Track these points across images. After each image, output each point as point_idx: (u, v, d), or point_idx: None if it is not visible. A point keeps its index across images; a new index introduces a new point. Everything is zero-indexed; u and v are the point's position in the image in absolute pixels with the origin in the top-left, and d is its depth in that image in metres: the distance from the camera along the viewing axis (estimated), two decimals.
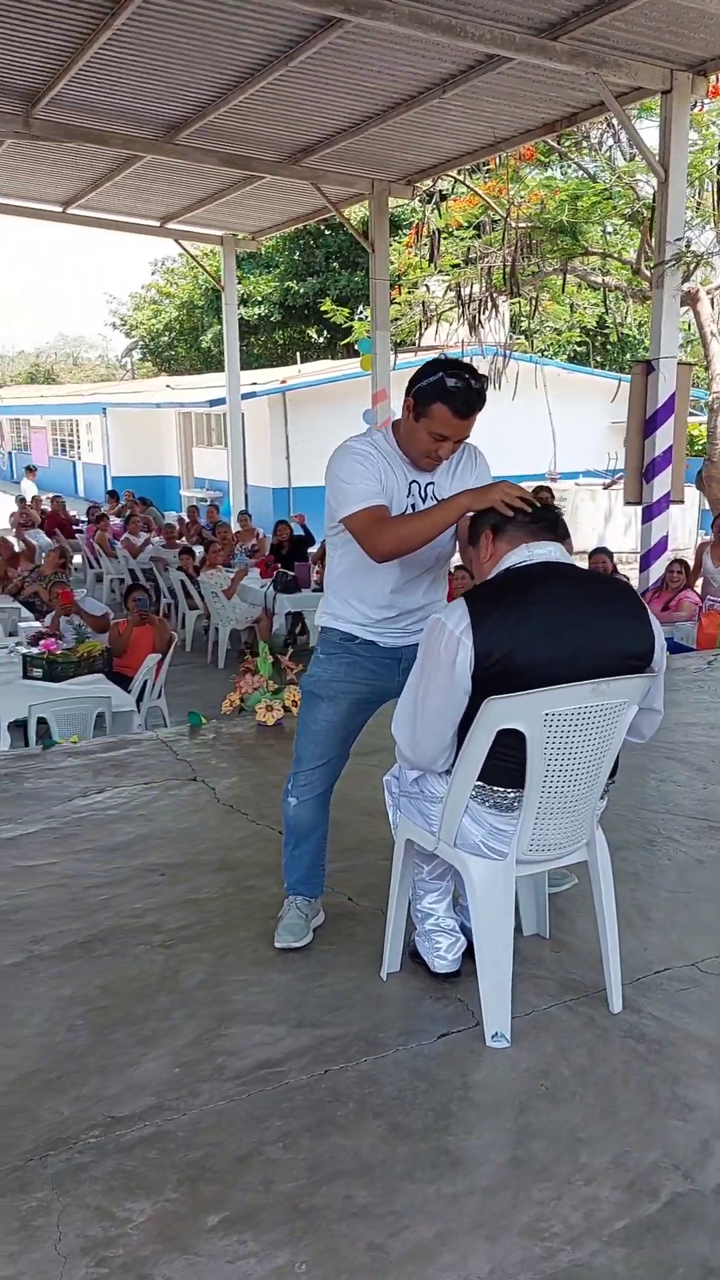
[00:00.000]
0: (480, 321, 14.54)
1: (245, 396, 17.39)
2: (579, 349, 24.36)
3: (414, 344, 17.76)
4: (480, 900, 2.68)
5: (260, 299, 29.46)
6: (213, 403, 18.26)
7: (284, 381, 18.58)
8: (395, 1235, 2.11)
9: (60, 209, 15.79)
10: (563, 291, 15.09)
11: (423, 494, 3.03)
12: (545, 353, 22.63)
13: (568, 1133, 2.39)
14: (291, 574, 10.56)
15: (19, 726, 6.52)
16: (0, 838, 4.07)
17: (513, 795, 2.61)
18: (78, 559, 15.60)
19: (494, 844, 2.67)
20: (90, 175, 13.98)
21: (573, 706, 2.51)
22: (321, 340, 31.51)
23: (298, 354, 24.45)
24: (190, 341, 34.58)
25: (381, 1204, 2.19)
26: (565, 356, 24.70)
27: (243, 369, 28.75)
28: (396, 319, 16.36)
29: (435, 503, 3.01)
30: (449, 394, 2.83)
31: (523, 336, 18.11)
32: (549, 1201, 2.19)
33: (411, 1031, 2.78)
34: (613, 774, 2.76)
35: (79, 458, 28.15)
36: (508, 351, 15.13)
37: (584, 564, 9.20)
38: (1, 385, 54.00)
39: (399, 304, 15.83)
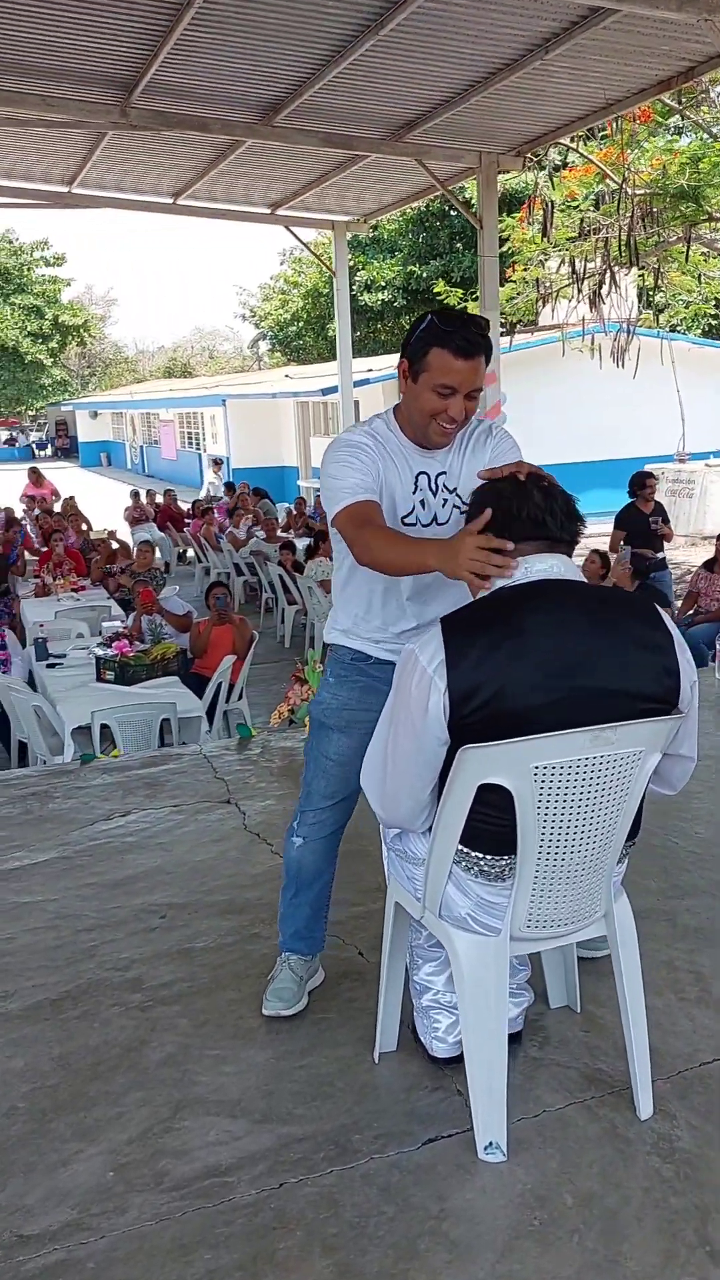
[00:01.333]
0: (601, 297, 13.80)
1: (358, 384, 16.98)
2: (714, 322, 23.13)
3: (532, 323, 17.08)
4: (468, 983, 2.22)
5: (384, 284, 29.04)
6: (325, 391, 17.93)
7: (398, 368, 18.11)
8: None
9: (171, 200, 15.65)
10: (687, 261, 14.15)
11: (432, 486, 2.57)
12: (678, 327, 21.54)
13: None
14: None
15: (84, 732, 6.30)
16: (7, 867, 3.78)
17: (503, 863, 2.14)
18: (191, 553, 15.56)
19: (483, 918, 2.20)
20: (197, 164, 13.77)
21: (569, 757, 2.02)
22: None
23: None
24: (317, 330, 34.40)
25: None
26: (699, 330, 23.47)
27: (368, 355, 28.49)
28: (512, 298, 15.73)
29: (445, 499, 2.57)
30: (444, 335, 2.37)
31: (649, 311, 17.20)
32: None
33: (392, 1134, 2.33)
34: (634, 833, 2.25)
35: (204, 450, 28.30)
36: (631, 327, 14.30)
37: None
38: (140, 380, 55.06)
39: (514, 283, 15.19)
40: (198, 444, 29.07)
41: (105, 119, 11.38)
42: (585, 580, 2.17)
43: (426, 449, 2.55)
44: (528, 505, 2.11)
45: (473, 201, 13.73)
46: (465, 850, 2.14)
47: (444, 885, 2.21)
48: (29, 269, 43.13)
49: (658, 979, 2.89)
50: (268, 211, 16.25)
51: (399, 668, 2.16)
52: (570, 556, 2.17)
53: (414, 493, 2.56)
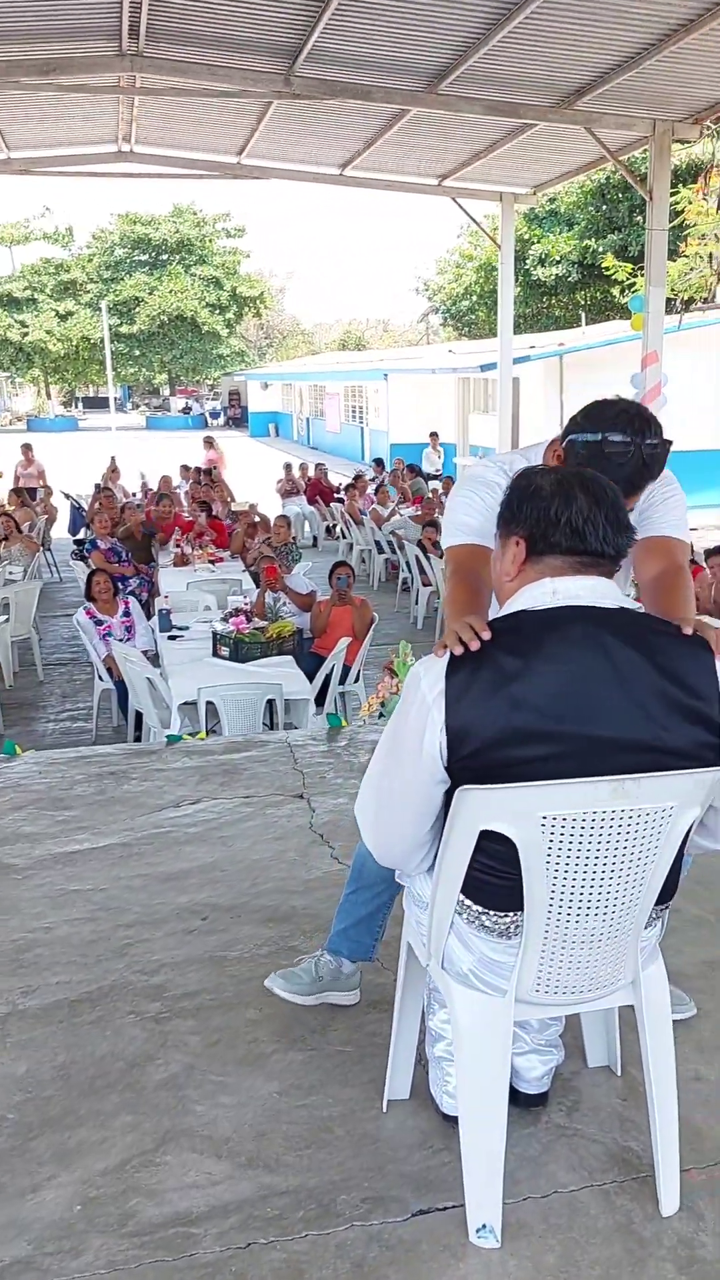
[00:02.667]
0: None
1: (519, 361, 16.51)
2: None
3: (708, 300, 16.23)
4: (466, 1045, 1.97)
5: (559, 258, 28.24)
6: (484, 367, 17.51)
7: (561, 345, 17.52)
8: None
9: (338, 171, 15.49)
10: None
11: None
12: None
13: None
14: None
15: (191, 707, 6.24)
16: (67, 850, 3.71)
17: (508, 920, 1.87)
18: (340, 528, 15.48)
19: (488, 976, 1.94)
20: (363, 135, 13.56)
21: (584, 809, 1.74)
22: (625, 300, 29.88)
23: (582, 315, 23.14)
24: (490, 305, 33.77)
25: None
26: None
27: (540, 331, 27.77)
28: (685, 274, 14.96)
29: None
30: (607, 462, 2.10)
31: None
32: None
33: (382, 1199, 2.11)
34: (669, 895, 1.95)
35: (366, 424, 28.21)
36: None
37: None
38: (315, 353, 55.45)
39: (687, 258, 14.42)
40: (361, 418, 29.00)
41: (269, 88, 11.31)
42: (627, 607, 1.86)
43: None
44: (569, 511, 1.81)
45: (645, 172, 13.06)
46: (467, 902, 1.89)
47: (445, 936, 1.96)
48: (210, 240, 43.92)
49: (716, 1043, 2.56)
50: (435, 183, 15.92)
51: (405, 684, 1.91)
52: (612, 576, 1.87)
53: None
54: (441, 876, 1.89)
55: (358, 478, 16.21)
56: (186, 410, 50.31)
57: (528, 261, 28.85)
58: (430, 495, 14.61)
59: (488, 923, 1.88)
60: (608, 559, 1.85)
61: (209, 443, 18.97)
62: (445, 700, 1.75)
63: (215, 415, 50.03)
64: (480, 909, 1.87)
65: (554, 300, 30.35)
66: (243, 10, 9.64)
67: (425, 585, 10.59)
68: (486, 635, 1.78)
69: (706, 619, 2.21)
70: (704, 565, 7.86)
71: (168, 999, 2.81)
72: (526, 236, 28.73)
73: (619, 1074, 2.45)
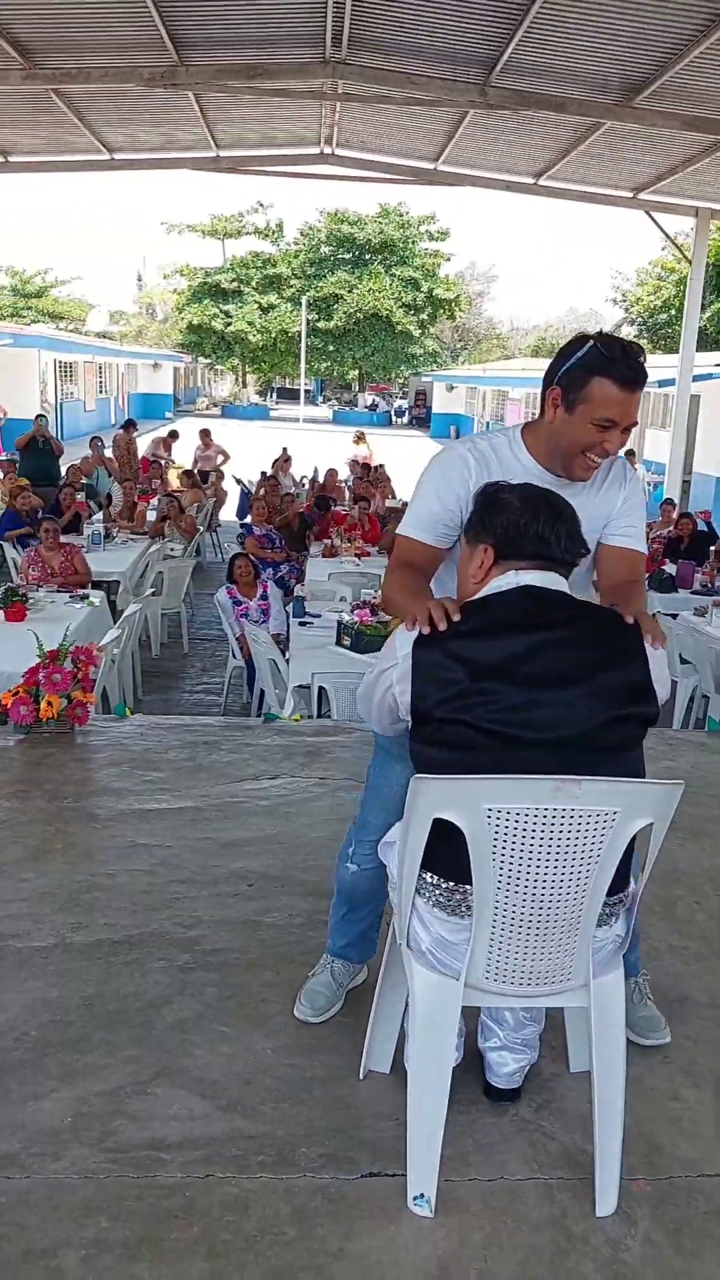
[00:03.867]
0: None
1: (700, 378, 16.14)
2: None
3: None
4: (419, 1021, 2.09)
5: None
6: (662, 383, 17.17)
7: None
8: None
9: (533, 180, 15.49)
10: None
11: None
12: None
13: None
14: (670, 572, 9.59)
15: (306, 690, 6.48)
16: (146, 808, 3.98)
17: (460, 895, 1.99)
18: None
19: (444, 956, 2.06)
20: (558, 145, 13.52)
21: (528, 805, 1.84)
22: None
23: None
24: None
25: None
26: None
27: None
28: None
29: None
30: (608, 363, 2.19)
31: None
32: None
33: (337, 1157, 2.25)
34: (621, 885, 2.03)
35: None
36: None
37: None
38: (508, 357, 55.30)
39: None
40: None
41: (464, 97, 11.46)
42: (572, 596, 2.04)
43: (559, 478, 2.36)
44: (537, 523, 2.01)
45: None
46: (426, 876, 2.02)
47: (409, 914, 2.09)
48: (413, 242, 44.36)
49: (709, 1070, 2.60)
50: (629, 195, 15.73)
51: (386, 645, 2.16)
52: (567, 578, 2.06)
53: None
54: (406, 857, 2.03)
55: None
56: (373, 407, 51.02)
57: None
58: None
59: (441, 897, 2.00)
60: (565, 565, 2.04)
61: (360, 437, 19.20)
62: (411, 669, 1.95)
63: (400, 414, 50.54)
64: (435, 879, 2.00)
65: None
66: (441, 21, 9.82)
67: None
68: (456, 618, 1.97)
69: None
70: None
71: (197, 952, 3.02)
72: None
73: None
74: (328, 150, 15.10)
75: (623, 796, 1.87)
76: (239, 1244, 2.02)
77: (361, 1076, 2.49)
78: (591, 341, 2.25)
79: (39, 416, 14.71)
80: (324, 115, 13.56)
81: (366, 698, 2.22)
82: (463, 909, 2.00)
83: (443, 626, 1.96)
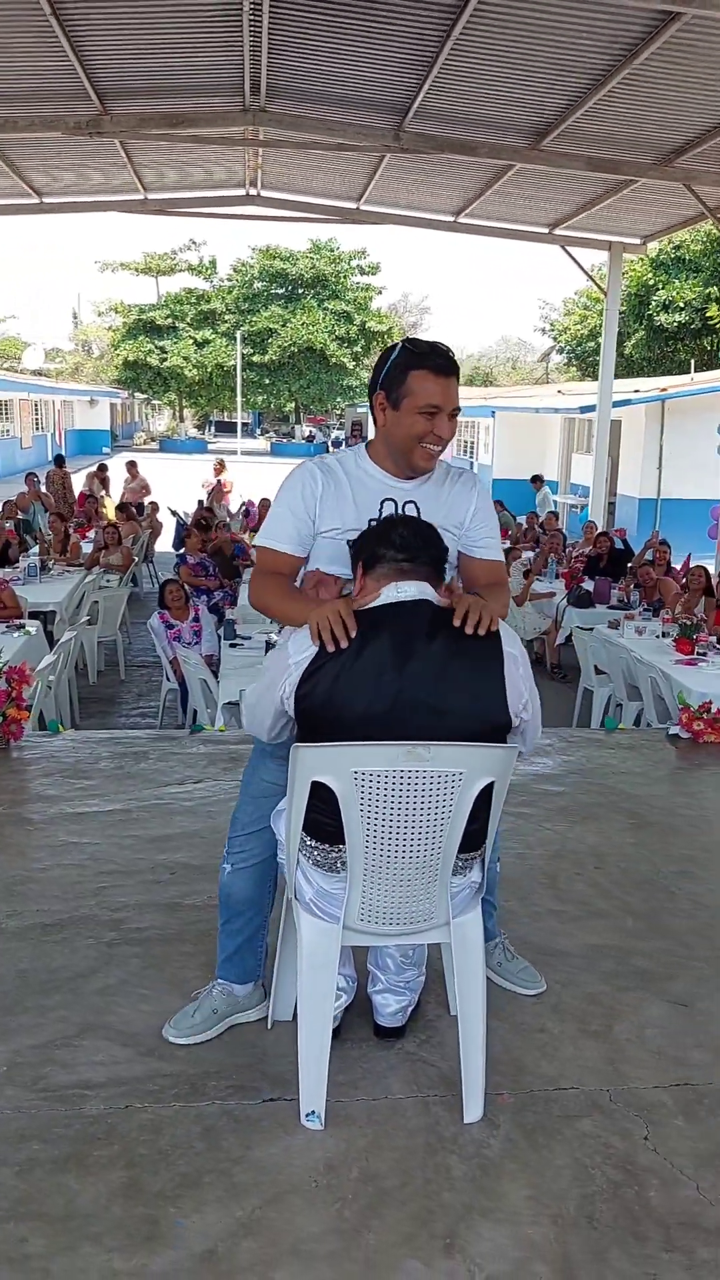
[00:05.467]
0: None
1: (619, 404, 16.78)
2: None
3: None
4: (305, 963, 2.42)
5: (682, 304, 28.32)
6: (584, 409, 17.83)
7: (664, 390, 17.72)
8: None
9: (452, 218, 16.09)
10: None
11: (399, 510, 2.63)
12: None
13: (287, 1244, 2.10)
14: (587, 588, 10.07)
15: (234, 707, 6.79)
16: (77, 810, 4.28)
17: (335, 855, 2.34)
18: None
19: (324, 905, 2.40)
20: (474, 185, 14.10)
21: (386, 767, 2.20)
22: None
23: (692, 362, 23.23)
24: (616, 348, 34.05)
25: (43, 1259, 2.05)
26: None
27: (664, 375, 27.82)
28: None
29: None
30: (420, 357, 2.47)
31: None
32: None
33: (242, 1087, 2.57)
34: (476, 845, 2.39)
35: (475, 459, 28.69)
36: None
37: None
38: None
39: None
40: (472, 452, 29.51)
41: (379, 142, 11.96)
42: (436, 601, 2.34)
43: (402, 477, 2.63)
44: (390, 548, 2.33)
45: None
46: (307, 840, 2.36)
47: (295, 870, 2.43)
48: (345, 276, 45.10)
49: (572, 1006, 2.96)
50: (545, 231, 16.37)
51: (279, 643, 2.46)
52: (430, 580, 2.35)
53: (378, 514, 2.62)
54: (290, 819, 2.37)
55: None
56: (310, 438, 51.58)
57: (651, 306, 29.02)
58: (514, 528, 15.03)
59: (319, 857, 2.35)
60: (427, 567, 2.34)
61: (220, 466, 18.62)
62: (301, 673, 2.27)
63: (337, 444, 51.14)
64: (315, 843, 2.34)
65: (680, 345, 30.36)
66: (355, 70, 10.30)
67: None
68: (352, 633, 2.25)
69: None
70: None
71: (123, 930, 3.33)
72: (651, 282, 28.91)
73: None
74: (253, 191, 15.55)
75: (467, 758, 2.22)
76: (153, 1157, 2.34)
77: (269, 1026, 2.81)
78: (400, 344, 2.55)
79: None
80: (247, 159, 14.01)
81: (253, 708, 2.51)
82: (338, 865, 2.34)
83: (345, 644, 2.23)
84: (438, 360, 2.48)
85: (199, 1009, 2.81)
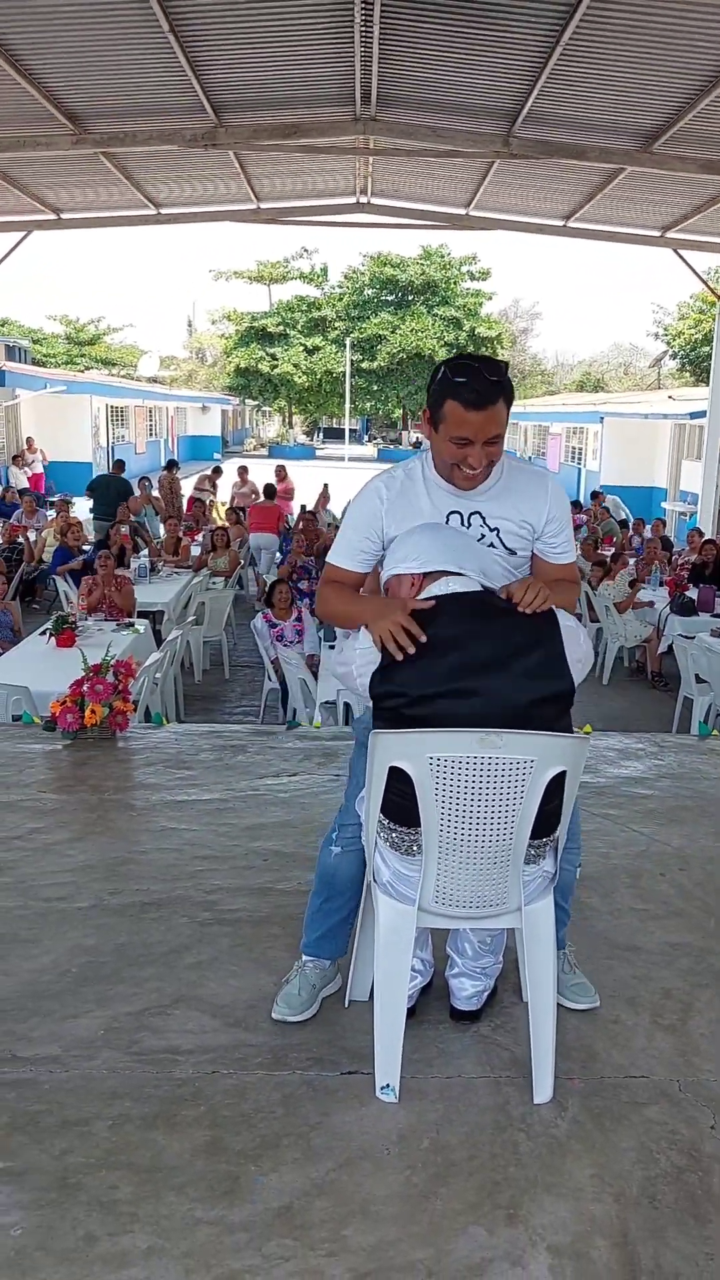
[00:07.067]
0: None
1: None
2: None
3: None
4: (382, 943, 2.54)
5: None
6: (694, 415, 17.55)
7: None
8: (114, 1235, 2.13)
9: (562, 223, 16.04)
10: None
11: (465, 522, 2.68)
12: None
13: (357, 1205, 2.22)
14: (691, 596, 9.96)
15: (333, 706, 6.95)
16: (177, 799, 4.47)
17: (411, 838, 2.44)
18: None
19: (400, 887, 2.51)
20: (584, 189, 14.06)
21: (460, 753, 2.30)
22: None
23: None
24: None
25: (131, 1205, 2.21)
26: None
27: None
28: None
29: (482, 534, 2.67)
30: (455, 387, 2.46)
31: None
32: (263, 1268, 2.07)
33: (322, 1060, 2.70)
34: (550, 829, 2.46)
35: (583, 465, 28.47)
36: None
37: None
38: (554, 393, 55.76)
39: None
40: (580, 459, 29.27)
41: (489, 149, 12.03)
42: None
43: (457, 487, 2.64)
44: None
45: None
46: (385, 821, 2.48)
47: (374, 851, 2.54)
48: (455, 283, 45.14)
49: (647, 1000, 3.01)
50: (658, 234, 16.20)
51: (352, 641, 2.52)
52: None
53: (444, 525, 2.66)
54: (370, 803, 2.49)
55: None
56: (416, 444, 51.71)
57: None
58: (620, 535, 14.88)
59: (395, 839, 2.46)
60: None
61: (280, 472, 18.08)
62: (372, 674, 2.40)
63: None
64: (392, 824, 2.46)
65: None
66: (464, 77, 10.40)
67: (593, 620, 10.91)
68: (420, 639, 2.35)
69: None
70: None
71: (216, 911, 3.49)
72: None
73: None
74: (363, 199, 15.77)
75: (538, 747, 2.31)
76: (236, 1119, 2.47)
77: (346, 1004, 2.93)
78: (443, 367, 2.55)
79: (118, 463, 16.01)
80: (358, 167, 14.22)
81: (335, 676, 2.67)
82: (413, 849, 2.44)
83: (401, 645, 2.33)
84: (470, 394, 2.43)
85: (301, 987, 2.92)
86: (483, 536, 2.66)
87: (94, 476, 16.50)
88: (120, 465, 16.56)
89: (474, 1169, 2.32)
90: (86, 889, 3.64)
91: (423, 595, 2.43)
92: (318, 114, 11.67)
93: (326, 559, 2.79)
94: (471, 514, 2.67)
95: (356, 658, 2.46)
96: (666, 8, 8.00)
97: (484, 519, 2.67)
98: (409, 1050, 2.66)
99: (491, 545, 2.66)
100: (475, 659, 2.33)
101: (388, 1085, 2.54)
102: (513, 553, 2.65)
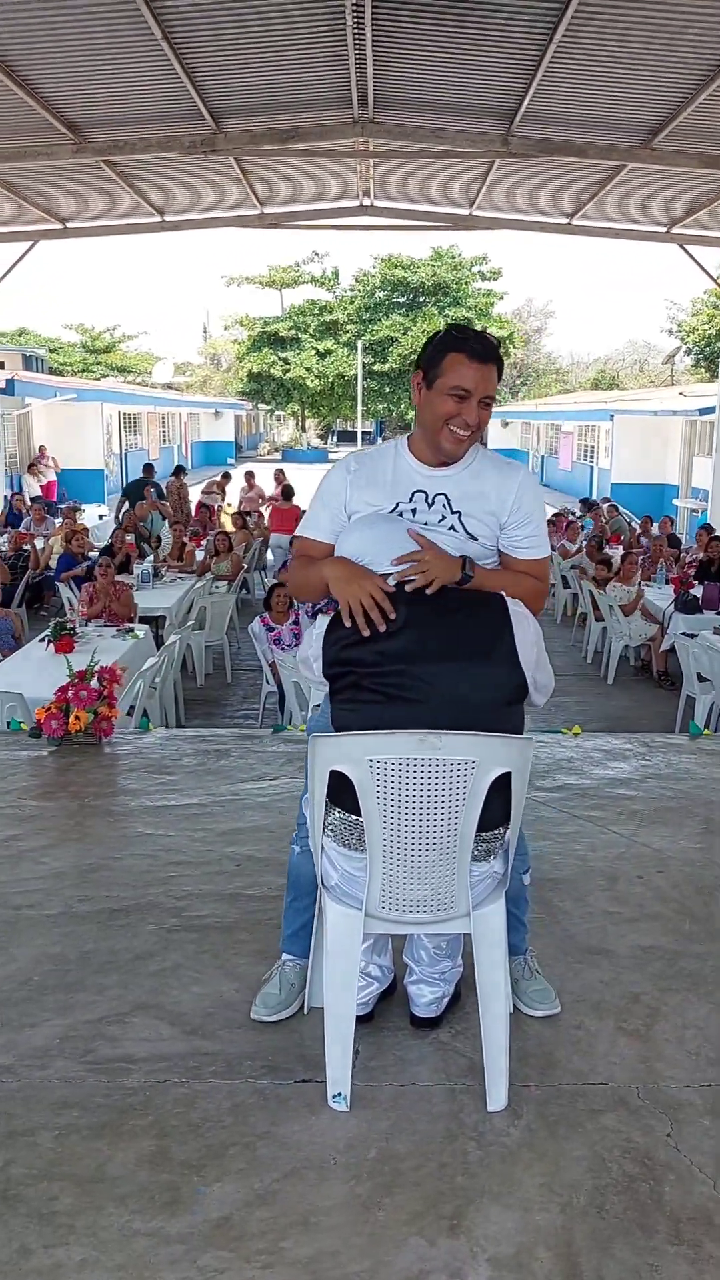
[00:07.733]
0: None
1: None
2: None
3: None
4: (330, 946, 2.50)
5: None
6: (703, 411, 17.43)
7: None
8: (49, 1248, 2.10)
9: (566, 220, 15.97)
10: None
11: (429, 501, 2.64)
12: None
13: (299, 1216, 2.18)
14: (696, 593, 9.87)
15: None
16: (156, 804, 4.44)
17: (358, 827, 2.40)
18: None
19: (349, 889, 2.48)
20: (587, 186, 13.99)
21: (399, 755, 2.26)
22: None
23: None
24: None
25: (69, 1216, 2.18)
26: None
27: None
28: None
29: (443, 516, 2.63)
30: (459, 340, 2.50)
31: None
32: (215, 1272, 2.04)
33: (276, 1068, 2.66)
34: (492, 825, 2.42)
35: (595, 463, 28.34)
36: None
37: None
38: (568, 391, 55.59)
39: None
40: (592, 457, 29.15)
41: (488, 148, 11.98)
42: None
43: (436, 464, 2.63)
44: None
45: None
46: (330, 807, 2.43)
47: (321, 855, 2.51)
48: (466, 283, 45.05)
49: (613, 1005, 2.96)
50: (663, 230, 16.09)
51: (312, 627, 2.53)
52: None
53: (408, 502, 2.64)
54: (313, 808, 2.46)
55: (557, 516, 16.55)
56: None
57: None
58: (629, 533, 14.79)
59: (343, 829, 2.42)
60: None
61: (280, 475, 17.84)
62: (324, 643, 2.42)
63: None
64: (340, 812, 2.42)
65: None
66: (460, 77, 10.37)
67: (598, 620, 10.84)
68: (391, 615, 2.36)
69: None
70: None
71: (184, 917, 3.47)
72: None
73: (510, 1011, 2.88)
74: (366, 202, 15.74)
75: (479, 747, 2.27)
76: (183, 1128, 2.44)
77: (305, 1011, 2.90)
78: (446, 328, 2.59)
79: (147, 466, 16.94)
80: (359, 169, 14.20)
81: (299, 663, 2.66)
82: (360, 841, 2.41)
83: (382, 628, 2.34)
84: (476, 345, 2.49)
85: (279, 986, 2.91)
86: (443, 518, 2.63)
87: (128, 482, 17.11)
88: (150, 469, 16.81)
89: (420, 1179, 2.28)
90: (57, 896, 3.62)
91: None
92: (315, 118, 11.66)
93: (297, 533, 2.77)
94: (436, 495, 2.64)
95: (315, 642, 2.44)
96: (658, 1, 7.94)
97: (448, 501, 2.64)
98: (365, 1058, 2.64)
99: (453, 528, 2.63)
100: (426, 648, 2.33)
101: (339, 1094, 2.50)
102: (474, 538, 2.60)
